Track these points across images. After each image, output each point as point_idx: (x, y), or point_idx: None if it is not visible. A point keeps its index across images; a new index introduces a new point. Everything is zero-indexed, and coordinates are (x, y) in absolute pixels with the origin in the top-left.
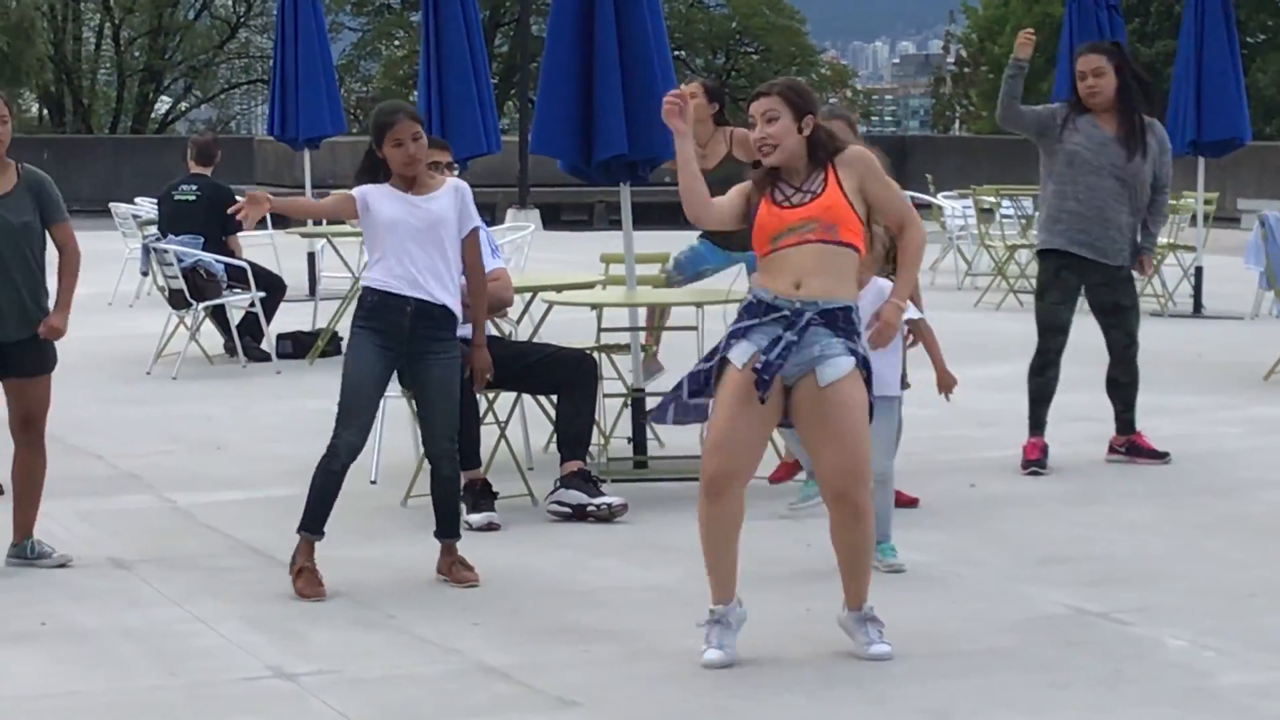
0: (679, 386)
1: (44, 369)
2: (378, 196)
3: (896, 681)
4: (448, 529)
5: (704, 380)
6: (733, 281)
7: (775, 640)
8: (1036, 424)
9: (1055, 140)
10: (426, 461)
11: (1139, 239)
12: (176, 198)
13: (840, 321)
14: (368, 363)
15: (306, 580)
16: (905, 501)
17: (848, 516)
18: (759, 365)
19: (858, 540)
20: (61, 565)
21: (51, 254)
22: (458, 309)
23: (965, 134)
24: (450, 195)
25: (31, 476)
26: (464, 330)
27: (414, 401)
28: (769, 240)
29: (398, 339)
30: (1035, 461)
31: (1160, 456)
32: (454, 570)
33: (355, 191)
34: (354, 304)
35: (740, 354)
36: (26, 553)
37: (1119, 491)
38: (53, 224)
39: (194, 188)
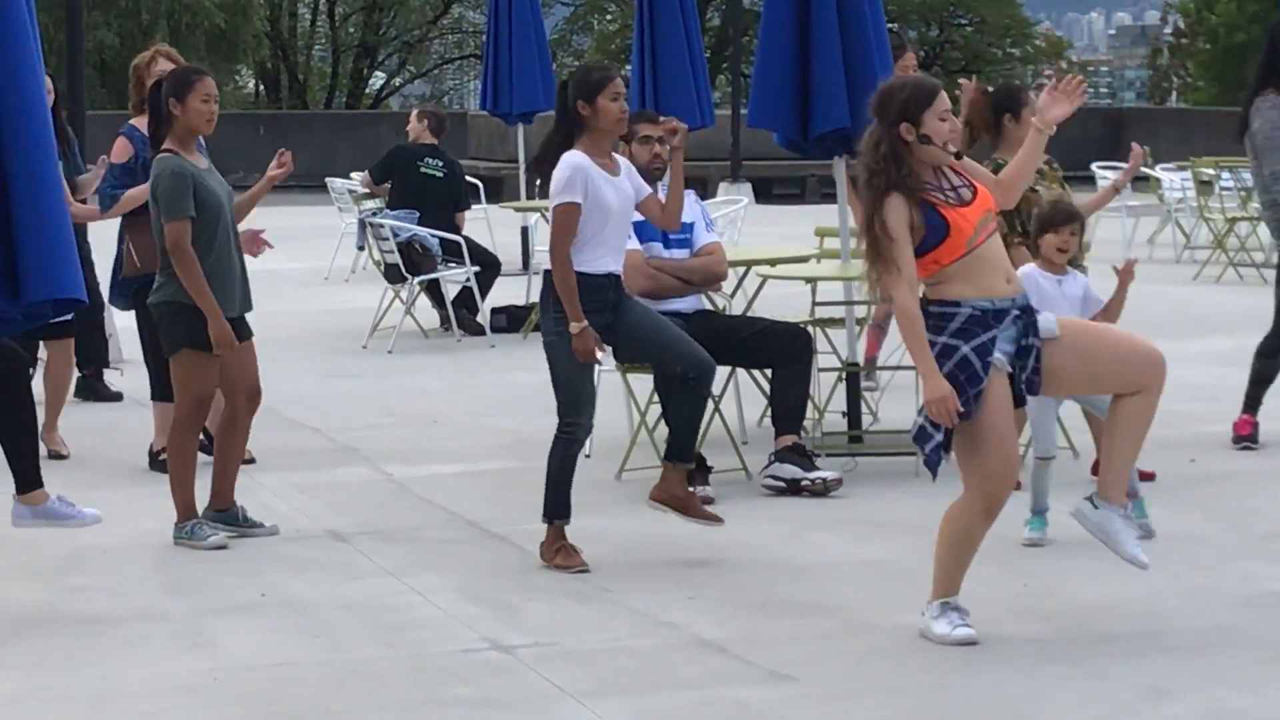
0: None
1: (250, 334)
2: (596, 185)
3: (1114, 658)
4: (686, 452)
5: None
6: None
7: (991, 616)
8: (1253, 403)
9: None
10: (643, 434)
11: None
12: (423, 170)
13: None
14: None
15: (565, 554)
16: (1141, 476)
17: (1162, 378)
18: (1024, 383)
19: (1151, 415)
20: (273, 534)
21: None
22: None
23: (1182, 105)
24: (630, 174)
25: (241, 445)
26: (679, 304)
27: (640, 356)
28: (965, 244)
29: (603, 314)
30: (1247, 437)
31: None
32: (692, 505)
33: (573, 200)
34: None
35: (1002, 361)
36: (238, 519)
37: None
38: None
39: (440, 163)
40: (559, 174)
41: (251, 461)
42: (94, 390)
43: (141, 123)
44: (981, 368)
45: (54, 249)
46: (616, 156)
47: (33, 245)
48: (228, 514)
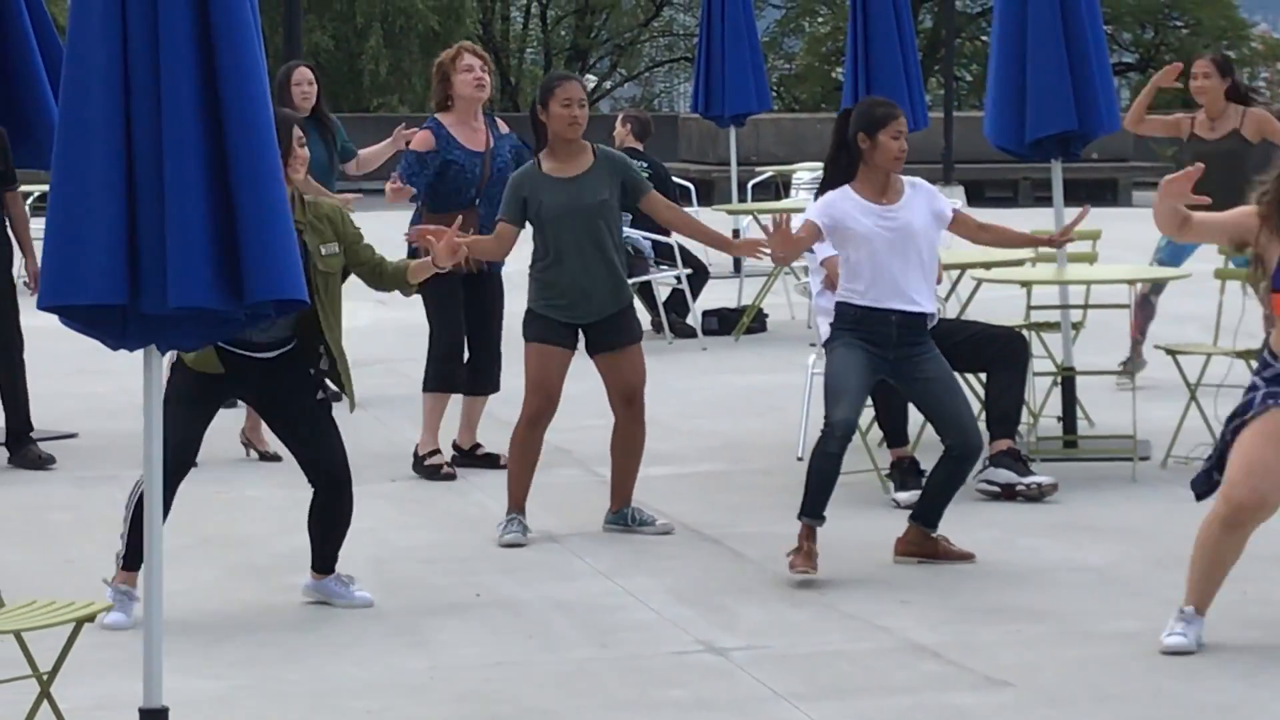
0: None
1: (633, 339)
2: (851, 218)
3: None
4: (933, 518)
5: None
6: None
7: (1210, 624)
8: None
9: None
10: (856, 438)
11: None
12: None
13: None
14: (855, 353)
15: (804, 558)
16: None
17: None
18: None
19: None
20: (665, 533)
21: None
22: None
23: None
24: (916, 197)
25: (628, 449)
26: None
27: (918, 407)
28: None
29: (878, 348)
30: None
31: None
32: (941, 548)
33: (817, 220)
34: (778, 280)
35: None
36: (626, 520)
37: None
38: (641, 196)
39: (644, 165)
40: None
41: (496, 460)
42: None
43: (445, 118)
44: (1258, 404)
45: (276, 248)
46: (911, 182)
47: (255, 245)
48: (618, 515)
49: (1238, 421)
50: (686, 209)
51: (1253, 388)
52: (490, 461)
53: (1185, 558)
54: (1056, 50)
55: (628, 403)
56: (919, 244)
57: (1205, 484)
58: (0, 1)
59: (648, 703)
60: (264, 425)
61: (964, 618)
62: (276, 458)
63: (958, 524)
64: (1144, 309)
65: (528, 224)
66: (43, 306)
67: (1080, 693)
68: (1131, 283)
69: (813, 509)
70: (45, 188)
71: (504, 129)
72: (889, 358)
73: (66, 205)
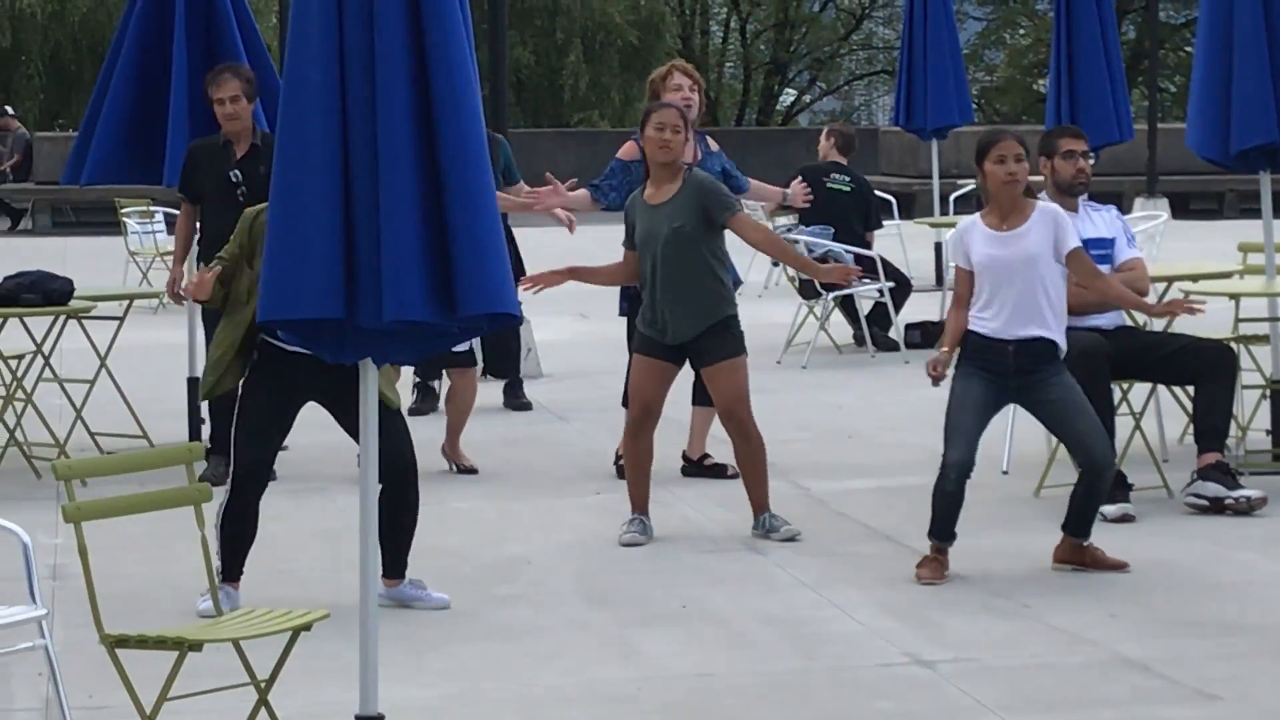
0: None
1: (725, 355)
2: (970, 247)
3: None
4: (1081, 529)
5: None
6: None
7: None
8: None
9: None
10: (1062, 452)
11: None
12: (829, 186)
13: None
14: (972, 386)
15: (930, 567)
16: None
17: None
18: None
19: None
20: (790, 539)
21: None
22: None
23: None
24: (1040, 225)
25: (745, 462)
26: (1099, 320)
27: (1049, 428)
28: None
29: (1000, 376)
30: None
31: None
32: (1089, 555)
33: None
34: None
35: None
36: (762, 526)
37: None
38: (727, 218)
39: (846, 179)
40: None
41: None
42: (512, 398)
43: None
44: None
45: (489, 261)
46: (1045, 209)
47: (469, 257)
48: (755, 522)
49: None
50: (888, 222)
51: None
52: (718, 472)
53: None
54: (1260, 60)
55: (726, 418)
56: (1040, 270)
57: None
58: (210, 25)
59: (854, 714)
60: (461, 439)
61: (1172, 631)
62: (474, 470)
63: (1166, 536)
64: None
65: None
66: (263, 320)
67: None
68: None
69: (941, 534)
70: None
71: (714, 147)
72: (1011, 386)
73: (285, 221)
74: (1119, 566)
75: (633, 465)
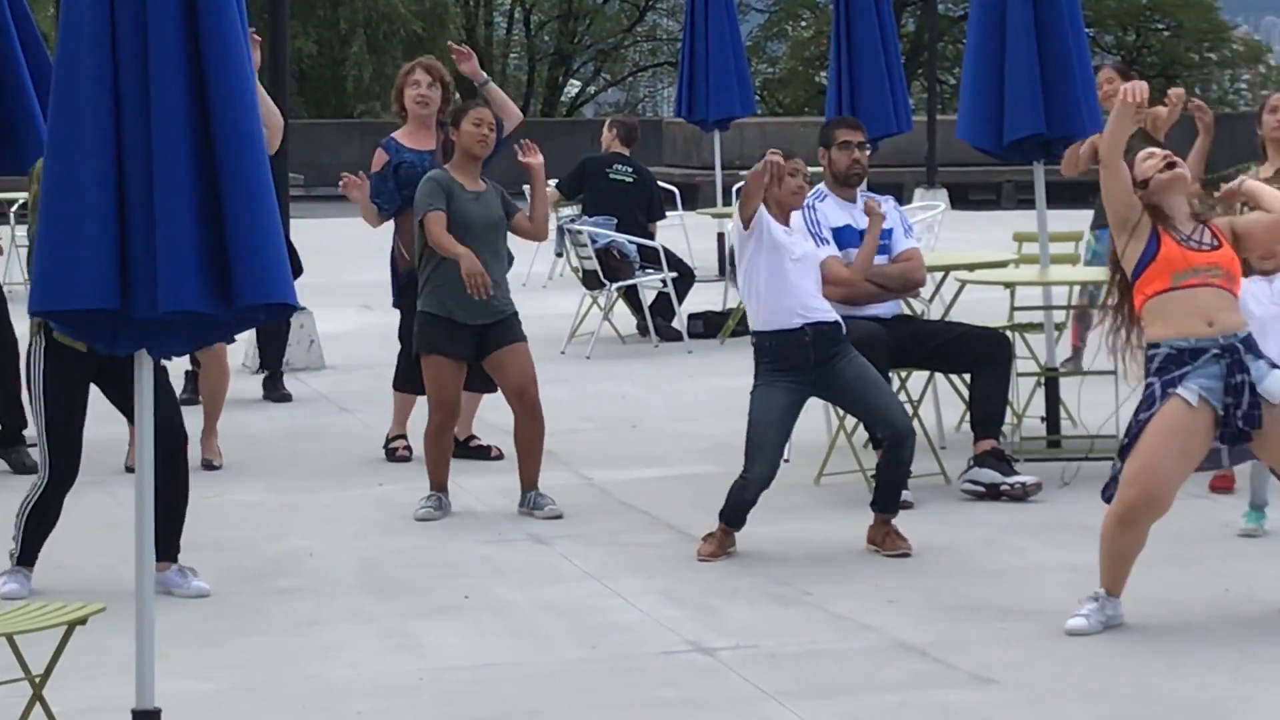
0: (1124, 439)
1: (516, 338)
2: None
3: None
4: (889, 505)
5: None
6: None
7: (1193, 620)
8: None
9: None
10: (842, 439)
11: None
12: (612, 177)
13: (1254, 346)
14: (774, 396)
15: (711, 544)
16: None
17: None
18: (1239, 421)
19: None
20: (554, 517)
21: None
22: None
23: None
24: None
25: (528, 440)
26: (878, 309)
27: (847, 409)
28: (1171, 276)
29: (799, 374)
30: None
31: None
32: (888, 539)
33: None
34: None
35: (1190, 392)
36: (528, 503)
37: None
38: (512, 216)
39: (629, 170)
40: None
41: (499, 458)
42: (271, 389)
43: (400, 134)
44: (1160, 395)
45: (265, 251)
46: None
47: (245, 247)
48: (522, 499)
49: (1144, 416)
50: (671, 213)
51: (1148, 385)
52: (482, 453)
53: (1170, 556)
54: (1030, 52)
55: (519, 396)
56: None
57: (1114, 489)
58: None
59: (637, 702)
60: (216, 437)
61: (950, 616)
62: (217, 466)
63: (944, 522)
64: (1082, 320)
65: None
66: (35, 311)
67: (1066, 689)
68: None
69: (734, 522)
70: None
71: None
72: (810, 381)
73: (58, 211)
74: (903, 553)
75: (436, 454)
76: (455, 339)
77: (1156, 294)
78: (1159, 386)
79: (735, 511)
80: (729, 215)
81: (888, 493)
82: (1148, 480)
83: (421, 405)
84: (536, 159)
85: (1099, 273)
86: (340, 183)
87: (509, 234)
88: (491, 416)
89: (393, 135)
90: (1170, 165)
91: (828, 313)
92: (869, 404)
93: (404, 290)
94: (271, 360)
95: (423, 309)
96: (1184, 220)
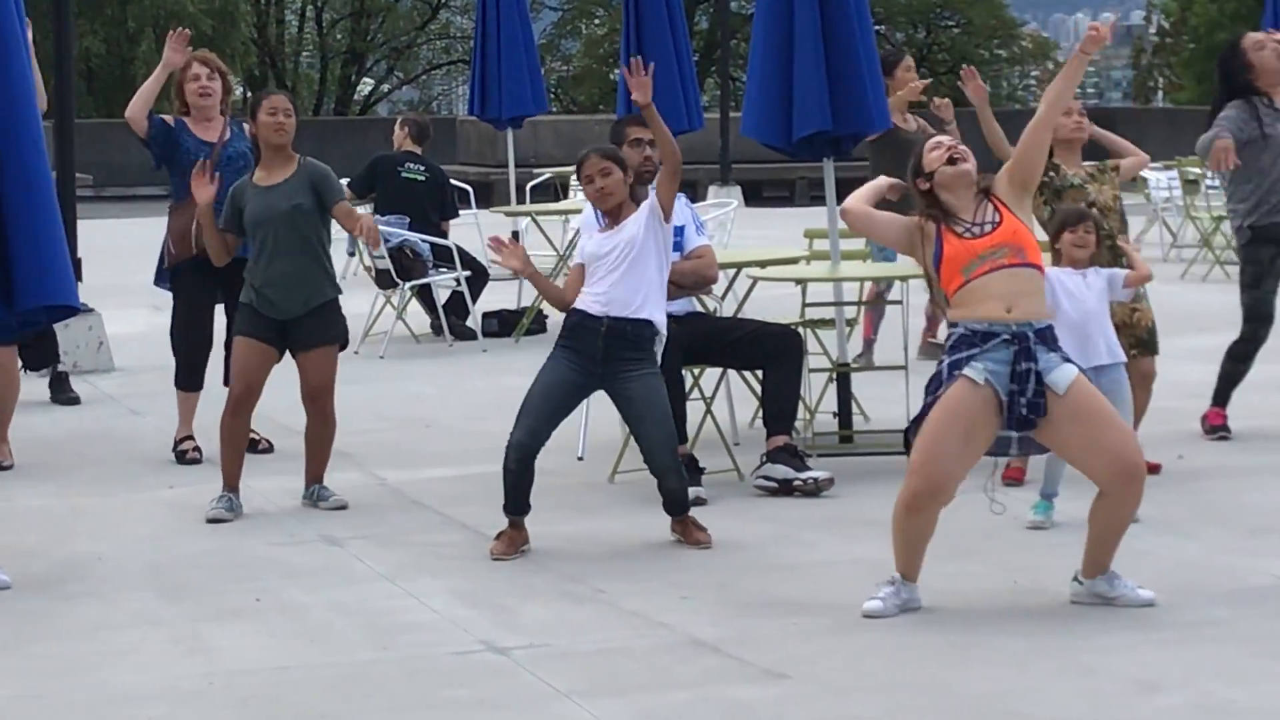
0: (911, 424)
1: (325, 341)
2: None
3: (1105, 653)
4: (675, 509)
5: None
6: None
7: (982, 613)
8: (1224, 399)
9: (1259, 135)
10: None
11: None
12: (404, 175)
13: (1051, 339)
14: (559, 371)
15: (503, 542)
16: (1150, 469)
17: (1136, 491)
18: (1027, 408)
19: (1132, 512)
20: (339, 508)
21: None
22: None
23: (1167, 104)
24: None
25: (317, 443)
26: (671, 307)
27: (624, 422)
28: (960, 272)
29: (591, 358)
30: (1222, 427)
31: None
32: (689, 532)
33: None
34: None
35: (976, 372)
36: (311, 496)
37: None
38: (336, 204)
39: (421, 168)
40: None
41: (269, 450)
42: (58, 392)
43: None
44: (946, 377)
45: (47, 254)
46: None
47: (27, 252)
48: (306, 492)
49: (930, 398)
50: (465, 211)
51: (939, 363)
52: (251, 446)
53: (959, 549)
54: (817, 50)
55: (311, 400)
56: (644, 255)
57: None
58: None
59: (429, 703)
60: (6, 442)
61: (743, 612)
62: (7, 467)
63: (737, 518)
64: (875, 311)
65: None
66: None
67: (857, 682)
68: (905, 278)
69: (514, 508)
70: None
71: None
72: (597, 373)
73: None
74: (702, 543)
75: (229, 443)
76: (261, 326)
77: (957, 289)
78: (946, 366)
79: (508, 489)
80: (523, 213)
81: (670, 505)
82: (933, 467)
83: (208, 403)
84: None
85: (889, 268)
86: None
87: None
88: (285, 419)
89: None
90: (954, 160)
91: (637, 313)
92: (639, 430)
93: (175, 280)
94: (35, 360)
95: (239, 299)
96: (967, 208)
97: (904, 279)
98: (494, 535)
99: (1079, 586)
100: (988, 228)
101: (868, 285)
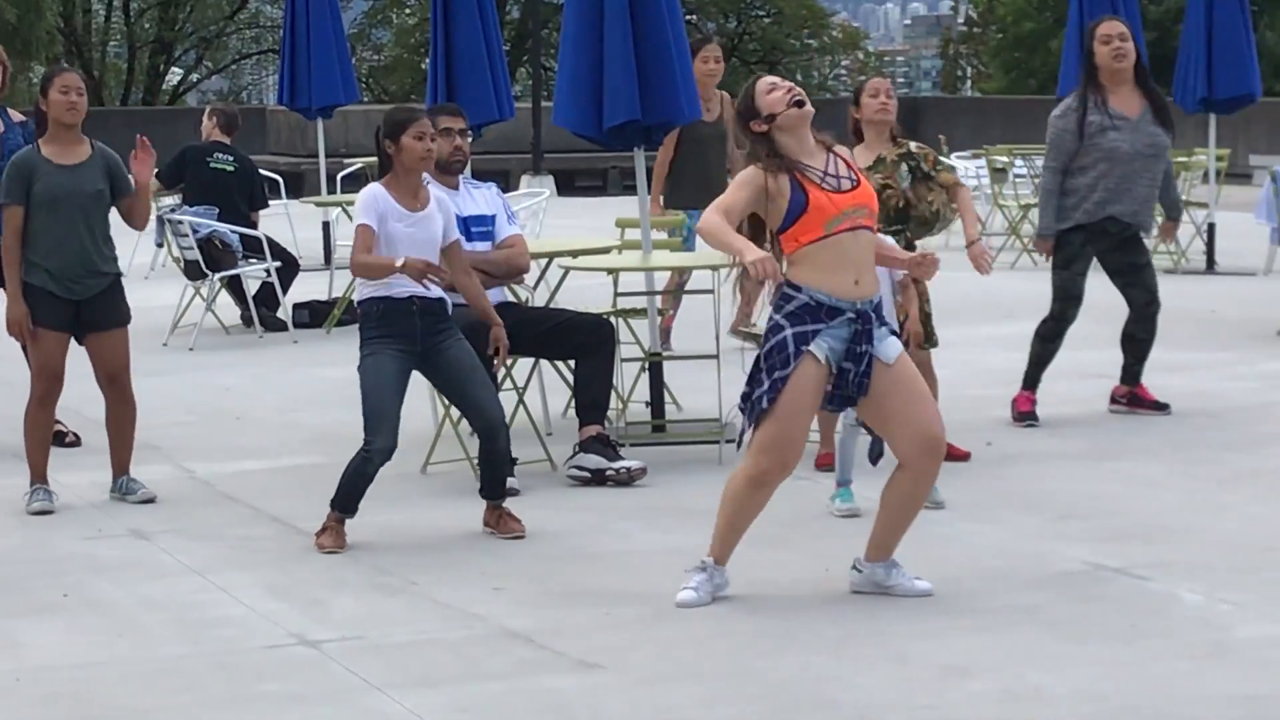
0: (758, 400)
1: (119, 323)
2: (385, 218)
3: (917, 639)
4: (494, 492)
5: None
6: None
7: (795, 601)
8: (1034, 382)
9: (1085, 144)
10: (448, 428)
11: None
12: (212, 166)
13: (881, 314)
14: (387, 364)
15: (331, 536)
16: (957, 455)
17: (934, 469)
18: (854, 387)
19: (928, 491)
20: (149, 500)
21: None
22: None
23: (976, 94)
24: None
25: (119, 425)
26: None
27: (444, 393)
28: (824, 225)
29: (411, 339)
30: (1029, 414)
31: (1161, 408)
32: (503, 522)
33: (366, 222)
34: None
35: (820, 350)
36: (120, 489)
37: (1135, 448)
38: (124, 195)
39: (230, 158)
40: (360, 198)
41: (76, 444)
42: None
43: None
44: (794, 354)
45: None
46: (440, 195)
47: None
48: (115, 482)
49: (781, 375)
50: (275, 202)
51: (778, 327)
52: (58, 439)
53: (771, 537)
54: (626, 40)
55: (111, 382)
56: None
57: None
58: None
59: (241, 698)
60: None
61: (556, 603)
62: None
63: (550, 509)
64: (674, 301)
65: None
66: None
67: (670, 672)
68: (715, 268)
69: (346, 506)
70: None
71: (16, 118)
72: (416, 352)
73: None
74: (517, 534)
75: (36, 436)
76: (58, 312)
77: (811, 242)
78: (791, 339)
79: (352, 492)
80: (334, 203)
81: (491, 481)
82: (785, 445)
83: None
84: (146, 173)
85: (700, 256)
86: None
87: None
88: (87, 409)
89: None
90: (799, 102)
91: (432, 290)
92: (464, 392)
93: None
94: None
95: (24, 279)
96: (811, 154)
97: (714, 268)
98: (308, 529)
99: (858, 575)
100: (847, 184)
101: (667, 275)
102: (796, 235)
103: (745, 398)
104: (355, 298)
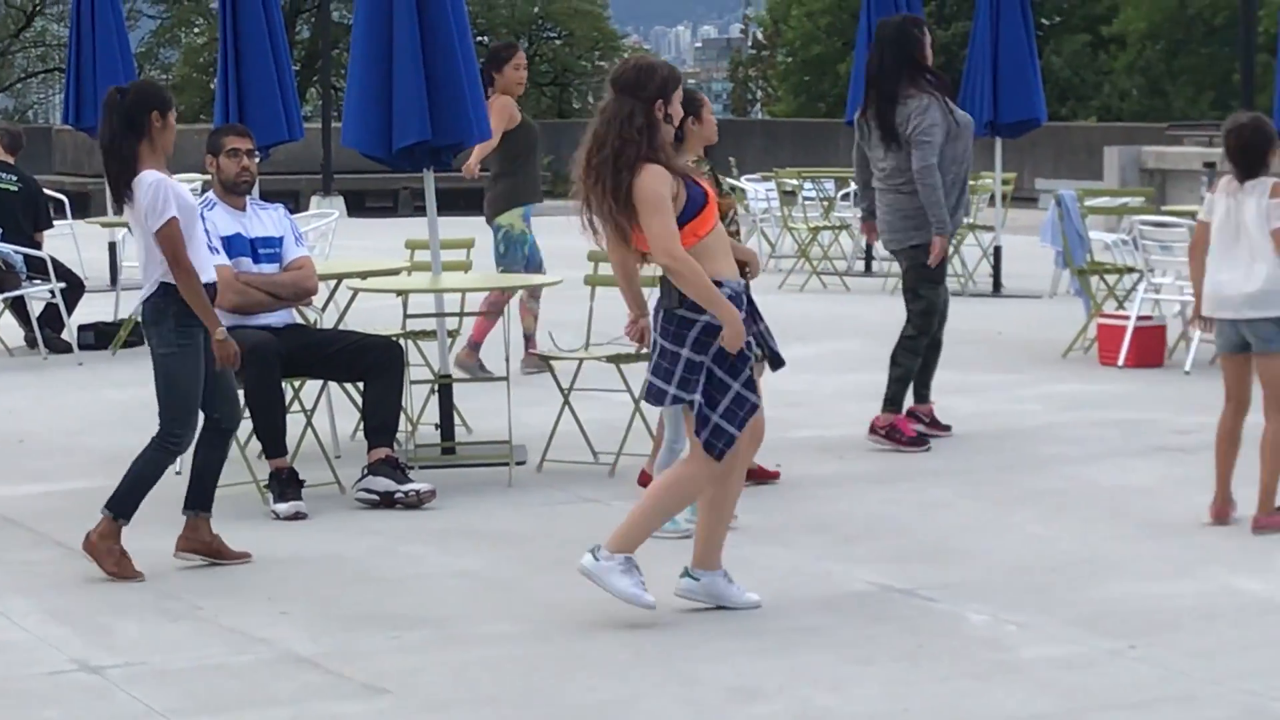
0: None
1: None
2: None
3: (705, 660)
4: (205, 501)
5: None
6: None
7: (587, 624)
8: (899, 403)
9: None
10: (235, 450)
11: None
12: None
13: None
14: (200, 364)
15: (125, 563)
16: (765, 475)
17: (750, 455)
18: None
19: (723, 503)
20: None
21: None
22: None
23: (766, 117)
24: None
25: None
26: (270, 319)
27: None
28: (714, 217)
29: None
30: (922, 438)
31: (944, 429)
32: (222, 549)
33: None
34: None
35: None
36: None
37: (922, 470)
38: None
39: (14, 178)
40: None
41: None
42: None
43: None
44: (747, 345)
45: None
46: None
47: None
48: None
49: (748, 369)
50: (60, 222)
51: (716, 331)
52: None
53: (565, 559)
54: (416, 61)
55: None
56: None
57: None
58: None
59: None
60: None
61: (344, 626)
62: None
63: (338, 532)
64: (490, 318)
65: None
66: None
67: (458, 696)
68: (506, 289)
69: (125, 509)
70: None
71: None
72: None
73: None
74: (243, 558)
75: None
76: None
77: (707, 233)
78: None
79: (135, 492)
80: (120, 224)
81: (210, 484)
82: (758, 434)
83: None
84: None
85: (491, 279)
86: None
87: None
88: None
89: None
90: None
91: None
92: (222, 384)
93: None
94: None
95: None
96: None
97: (505, 289)
98: (108, 560)
99: (692, 584)
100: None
101: (489, 294)
102: (695, 229)
103: (679, 398)
104: (159, 280)
